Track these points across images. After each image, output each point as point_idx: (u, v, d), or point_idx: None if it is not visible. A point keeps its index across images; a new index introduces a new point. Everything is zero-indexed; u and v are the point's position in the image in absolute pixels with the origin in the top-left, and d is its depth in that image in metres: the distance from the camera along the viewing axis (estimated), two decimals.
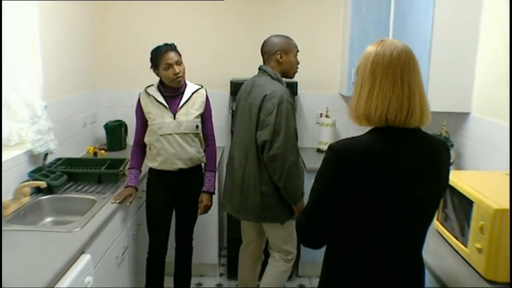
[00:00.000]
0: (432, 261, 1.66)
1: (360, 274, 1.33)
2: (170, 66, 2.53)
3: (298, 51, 2.59)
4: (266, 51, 2.56)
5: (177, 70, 2.55)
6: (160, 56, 2.53)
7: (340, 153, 1.26)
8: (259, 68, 2.60)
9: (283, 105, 2.36)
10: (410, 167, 1.27)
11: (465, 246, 1.62)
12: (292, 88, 3.26)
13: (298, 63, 2.60)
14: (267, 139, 2.36)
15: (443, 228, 1.84)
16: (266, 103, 2.39)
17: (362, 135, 1.31)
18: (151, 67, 2.61)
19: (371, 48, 1.32)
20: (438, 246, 1.79)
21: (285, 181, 2.39)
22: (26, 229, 2.00)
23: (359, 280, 1.33)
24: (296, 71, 2.62)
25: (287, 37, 2.58)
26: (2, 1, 2.28)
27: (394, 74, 1.26)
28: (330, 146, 1.30)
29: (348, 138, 1.31)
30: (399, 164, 1.26)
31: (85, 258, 1.86)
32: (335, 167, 1.26)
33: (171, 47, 2.59)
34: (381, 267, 1.32)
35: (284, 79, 2.57)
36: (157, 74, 2.62)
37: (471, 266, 1.59)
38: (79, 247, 1.85)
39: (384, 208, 1.27)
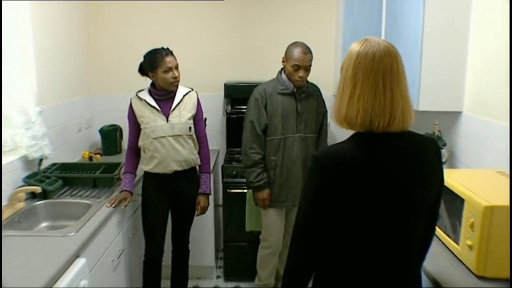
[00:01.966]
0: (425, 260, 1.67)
1: (353, 280, 1.32)
2: (170, 69, 2.56)
3: (298, 65, 2.67)
4: None
5: (176, 74, 2.59)
6: (160, 59, 2.54)
7: (320, 162, 1.26)
8: None
9: (250, 99, 2.81)
10: (393, 169, 1.26)
11: (457, 243, 1.63)
12: None
13: (299, 75, 2.69)
14: None
15: (436, 227, 1.85)
16: None
17: (344, 141, 1.31)
18: (146, 70, 2.61)
19: (354, 48, 1.30)
20: (432, 245, 1.80)
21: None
22: (21, 234, 2.01)
23: (352, 285, 1.33)
24: (296, 82, 2.73)
25: (300, 48, 2.69)
26: (2, 1, 2.30)
27: (375, 78, 1.24)
28: (312, 155, 1.30)
29: (330, 146, 1.33)
30: (382, 167, 1.25)
31: (80, 262, 1.87)
32: (318, 177, 1.26)
33: (170, 51, 2.61)
34: (374, 272, 1.31)
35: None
36: (152, 77, 2.62)
37: (462, 263, 1.60)
38: (74, 251, 1.86)
39: (371, 213, 1.26)
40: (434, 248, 1.76)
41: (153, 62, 2.56)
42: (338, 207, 1.25)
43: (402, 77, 1.27)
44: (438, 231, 1.82)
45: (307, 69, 2.73)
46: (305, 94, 2.81)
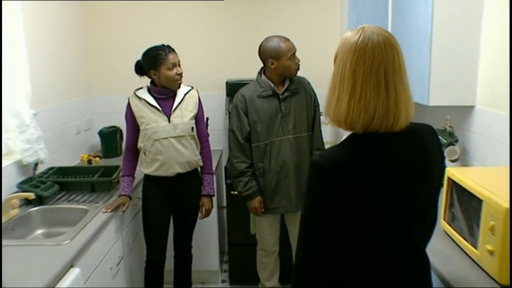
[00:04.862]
0: (439, 264, 1.56)
1: (367, 284, 1.24)
2: (174, 66, 2.47)
3: (293, 52, 2.58)
4: (260, 57, 2.64)
5: (180, 71, 2.50)
6: (164, 56, 2.45)
7: (323, 166, 1.14)
8: None
9: (232, 106, 2.71)
10: (399, 167, 1.17)
11: (475, 247, 1.52)
12: None
13: (296, 62, 2.60)
14: None
15: (450, 229, 1.74)
16: None
17: (343, 143, 1.21)
18: (147, 68, 2.50)
19: (350, 38, 1.18)
20: (445, 248, 1.69)
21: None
22: (12, 244, 1.91)
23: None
24: (297, 69, 2.63)
25: (279, 40, 2.56)
26: (2, 1, 2.23)
27: (377, 75, 1.14)
28: (312, 162, 1.18)
29: (330, 149, 1.22)
30: (387, 167, 1.16)
31: (74, 272, 1.78)
32: (319, 184, 1.15)
33: (172, 48, 2.53)
34: (387, 273, 1.24)
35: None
36: (154, 75, 2.51)
37: (482, 269, 1.49)
38: (67, 261, 1.76)
39: (380, 215, 1.17)
40: (449, 251, 1.66)
41: (156, 60, 2.46)
42: (344, 213, 1.15)
43: (403, 71, 1.18)
44: (453, 233, 1.71)
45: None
46: (290, 92, 2.65)
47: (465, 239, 1.61)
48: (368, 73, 1.14)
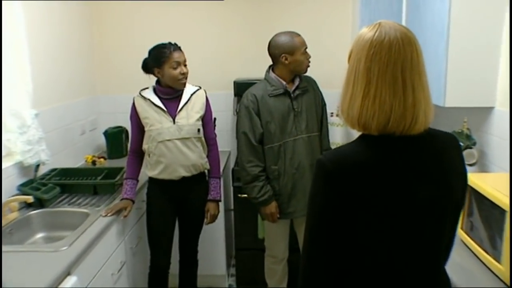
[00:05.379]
0: (458, 278, 1.45)
1: None
2: (178, 65, 2.38)
3: (305, 47, 2.51)
4: (271, 53, 2.53)
5: (185, 70, 2.41)
6: (168, 54, 2.37)
7: (328, 167, 1.07)
8: None
9: (240, 107, 2.56)
10: (411, 172, 1.08)
11: (498, 261, 1.41)
12: None
13: (308, 58, 2.53)
14: None
15: (468, 239, 1.63)
16: None
17: (352, 143, 1.13)
18: (151, 66, 2.43)
19: (366, 34, 1.10)
20: (464, 260, 1.58)
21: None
22: (7, 250, 1.83)
23: None
24: (308, 66, 2.55)
25: (292, 35, 2.48)
26: (2, 0, 2.18)
27: (394, 73, 1.05)
28: (317, 161, 1.12)
29: (337, 149, 1.14)
30: (398, 170, 1.08)
31: (71, 280, 1.71)
32: (325, 185, 1.08)
33: (178, 46, 2.44)
34: (398, 285, 1.14)
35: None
36: (158, 73, 2.43)
37: (506, 284, 1.38)
38: (64, 269, 1.69)
39: (390, 224, 1.09)
40: (466, 263, 1.56)
41: (160, 58, 2.38)
42: (350, 216, 1.07)
43: (422, 69, 1.09)
44: (471, 243, 1.61)
45: None
46: (301, 90, 2.55)
47: (485, 251, 1.50)
48: (383, 70, 1.05)
